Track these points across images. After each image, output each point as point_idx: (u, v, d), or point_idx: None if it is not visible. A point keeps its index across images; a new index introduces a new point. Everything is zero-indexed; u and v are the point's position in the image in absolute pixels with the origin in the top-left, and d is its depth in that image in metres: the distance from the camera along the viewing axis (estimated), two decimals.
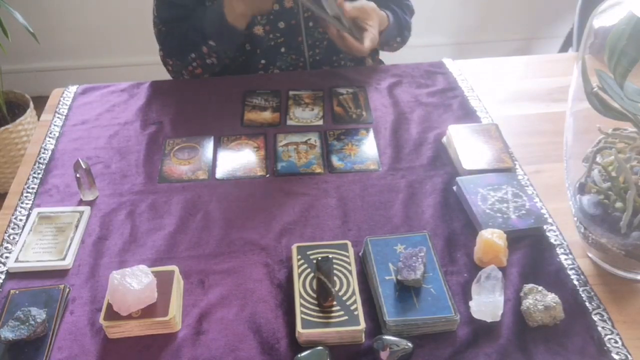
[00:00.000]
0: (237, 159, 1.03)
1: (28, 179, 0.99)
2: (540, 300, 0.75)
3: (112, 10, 2.40)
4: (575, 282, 0.81)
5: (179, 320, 0.76)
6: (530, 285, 0.78)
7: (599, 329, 0.75)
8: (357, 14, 1.16)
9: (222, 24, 1.14)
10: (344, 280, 0.78)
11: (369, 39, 1.16)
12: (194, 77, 1.24)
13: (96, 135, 1.09)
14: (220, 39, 1.17)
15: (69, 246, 0.86)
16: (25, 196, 0.96)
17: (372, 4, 1.20)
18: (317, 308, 0.75)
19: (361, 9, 1.17)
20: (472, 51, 2.64)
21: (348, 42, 1.15)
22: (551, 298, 0.75)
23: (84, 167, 0.93)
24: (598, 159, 0.80)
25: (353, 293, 0.77)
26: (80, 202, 0.95)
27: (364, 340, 0.74)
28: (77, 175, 0.93)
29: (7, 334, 0.72)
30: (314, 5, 1.10)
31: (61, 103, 1.17)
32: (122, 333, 0.75)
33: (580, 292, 0.79)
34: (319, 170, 1.00)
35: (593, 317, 0.76)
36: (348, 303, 0.75)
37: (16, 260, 0.84)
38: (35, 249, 0.86)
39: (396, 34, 1.30)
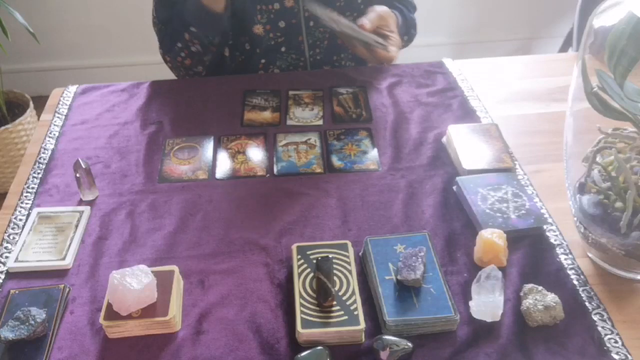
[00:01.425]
0: (237, 159, 1.03)
1: (28, 178, 0.99)
2: (540, 300, 0.75)
3: (112, 10, 2.40)
4: (575, 282, 0.81)
5: (179, 320, 0.76)
6: (530, 285, 0.78)
7: (599, 328, 0.75)
8: (377, 24, 1.17)
9: (199, 8, 1.13)
10: (344, 280, 0.78)
11: (394, 45, 1.17)
12: (187, 70, 1.23)
13: (96, 135, 1.09)
14: (199, 23, 1.15)
15: (69, 246, 0.86)
16: (25, 196, 0.96)
17: (385, 8, 1.20)
18: (317, 308, 0.75)
19: (380, 18, 1.18)
20: (472, 51, 2.64)
21: (378, 55, 1.17)
22: (551, 298, 0.75)
23: (83, 167, 0.93)
24: (598, 159, 0.80)
25: (353, 293, 0.77)
26: (80, 202, 0.95)
27: (364, 340, 0.74)
28: (77, 175, 0.93)
29: (7, 333, 0.72)
30: (345, 29, 1.12)
31: (61, 103, 1.17)
32: (122, 333, 0.75)
33: (580, 292, 0.79)
34: (319, 170, 1.00)
35: (593, 317, 0.76)
36: (348, 303, 0.75)
37: (16, 260, 0.84)
38: (35, 248, 0.86)
39: (404, 32, 1.30)
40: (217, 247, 0.87)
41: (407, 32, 1.32)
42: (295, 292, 0.77)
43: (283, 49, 1.25)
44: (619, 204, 0.77)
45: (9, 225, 0.91)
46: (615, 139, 0.80)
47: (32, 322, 0.73)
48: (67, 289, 0.80)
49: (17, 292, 0.79)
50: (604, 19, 0.74)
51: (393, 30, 1.20)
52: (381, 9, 1.20)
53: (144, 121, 1.12)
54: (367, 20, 1.15)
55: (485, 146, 1.01)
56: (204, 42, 1.18)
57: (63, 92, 1.21)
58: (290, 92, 1.18)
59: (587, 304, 0.78)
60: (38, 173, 1.00)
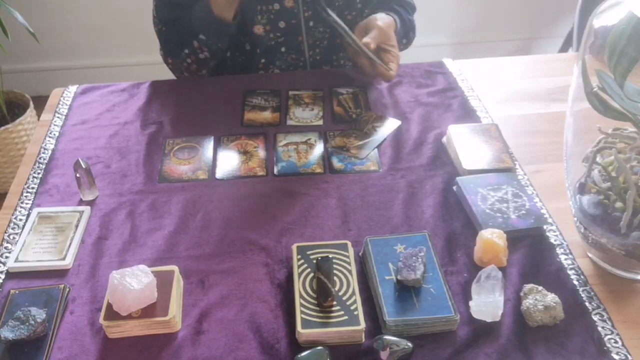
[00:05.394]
0: (237, 159, 1.03)
1: (28, 178, 0.99)
2: (540, 300, 0.75)
3: (112, 10, 2.40)
4: (575, 282, 0.81)
5: (179, 320, 0.76)
6: (530, 285, 0.78)
7: (599, 329, 0.75)
8: (379, 41, 1.14)
9: (209, 17, 1.13)
10: (344, 280, 0.78)
11: (394, 62, 1.15)
12: (192, 74, 1.24)
13: (96, 135, 1.09)
14: (208, 31, 1.15)
15: (69, 246, 0.86)
16: (25, 196, 0.96)
17: (385, 18, 1.18)
18: (317, 308, 0.75)
19: (380, 36, 1.15)
20: (472, 51, 2.64)
21: (378, 70, 1.14)
22: (551, 298, 0.75)
23: (84, 167, 0.93)
24: (598, 159, 0.80)
25: (353, 293, 0.77)
26: (80, 202, 0.95)
27: (364, 340, 0.74)
28: (77, 175, 0.93)
29: (7, 334, 0.72)
30: (351, 39, 1.12)
31: (61, 103, 1.17)
32: (122, 333, 0.75)
33: (580, 292, 0.79)
34: (319, 170, 1.00)
35: (593, 317, 0.76)
36: (348, 303, 0.75)
37: (16, 260, 0.84)
38: (35, 248, 0.86)
39: (403, 35, 1.29)
40: (217, 247, 0.87)
41: (406, 35, 1.31)
42: (295, 292, 0.77)
43: (283, 49, 1.25)
44: (619, 204, 0.77)
45: (9, 225, 0.91)
46: (615, 139, 0.80)
47: (32, 322, 0.73)
48: (67, 289, 0.80)
49: (17, 292, 0.79)
50: (604, 19, 0.74)
51: (394, 44, 1.17)
52: (382, 21, 1.17)
53: (144, 121, 1.12)
54: (370, 39, 1.13)
55: (485, 146, 1.01)
56: (213, 49, 1.18)
57: (63, 92, 1.21)
58: (290, 92, 1.18)
59: (587, 304, 0.78)
60: (38, 173, 1.00)
